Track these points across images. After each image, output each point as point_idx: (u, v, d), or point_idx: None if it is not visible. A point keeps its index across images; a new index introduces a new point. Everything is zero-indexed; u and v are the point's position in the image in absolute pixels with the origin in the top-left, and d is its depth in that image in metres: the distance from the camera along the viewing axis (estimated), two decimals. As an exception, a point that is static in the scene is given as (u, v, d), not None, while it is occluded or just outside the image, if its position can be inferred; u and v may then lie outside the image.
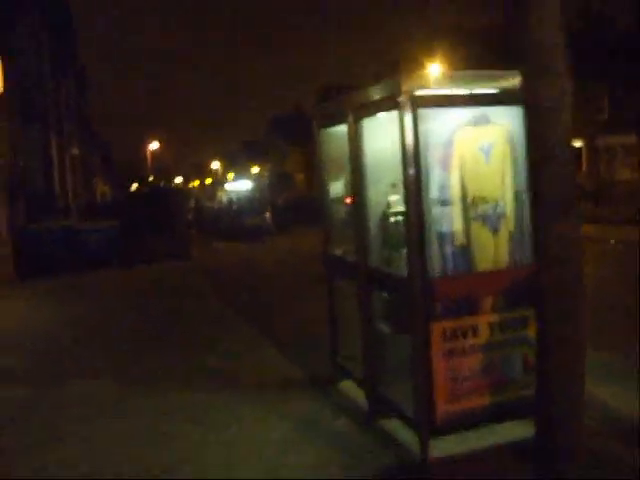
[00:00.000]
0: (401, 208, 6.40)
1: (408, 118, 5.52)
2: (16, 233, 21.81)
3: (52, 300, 16.78)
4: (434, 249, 5.75)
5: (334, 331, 7.88)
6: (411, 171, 5.52)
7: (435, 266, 5.74)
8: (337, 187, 7.74)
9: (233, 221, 35.63)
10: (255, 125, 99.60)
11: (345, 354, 7.69)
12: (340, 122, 6.99)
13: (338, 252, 7.63)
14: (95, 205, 38.42)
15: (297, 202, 47.10)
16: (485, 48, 34.65)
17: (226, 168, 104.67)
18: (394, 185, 6.49)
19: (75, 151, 37.64)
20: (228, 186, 77.82)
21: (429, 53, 41.49)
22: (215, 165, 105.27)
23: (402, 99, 5.47)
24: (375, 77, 57.97)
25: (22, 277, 20.66)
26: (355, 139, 6.55)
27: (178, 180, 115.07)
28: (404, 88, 5.46)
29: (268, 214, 36.15)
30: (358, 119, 6.48)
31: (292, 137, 77.69)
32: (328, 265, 7.78)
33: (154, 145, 62.33)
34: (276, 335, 11.06)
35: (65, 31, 35.50)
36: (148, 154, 63.00)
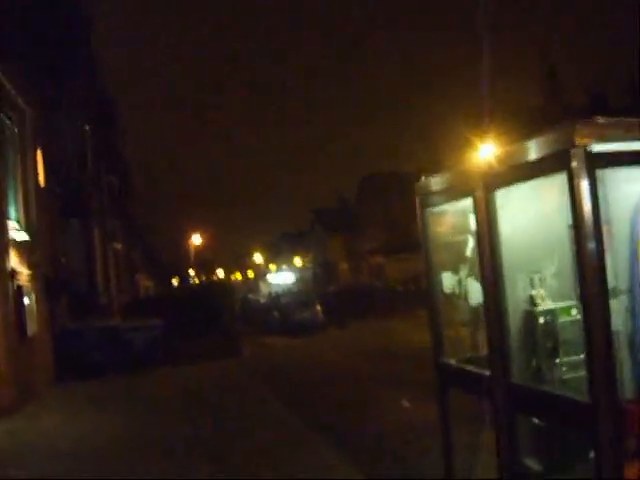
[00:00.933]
0: (551, 305, 4.90)
1: (584, 181, 4.00)
2: (57, 333, 20.51)
3: (91, 410, 15.14)
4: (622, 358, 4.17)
5: (449, 459, 6.21)
6: (590, 246, 3.97)
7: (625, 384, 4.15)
8: (448, 279, 6.20)
9: (282, 315, 34.22)
10: (294, 217, 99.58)
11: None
12: (456, 197, 5.54)
13: (452, 361, 6.05)
14: (139, 301, 37.32)
15: (346, 293, 45.72)
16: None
17: (268, 260, 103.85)
18: (535, 277, 5.01)
19: (118, 246, 36.74)
20: (272, 278, 76.97)
21: (483, 134, 39.87)
22: (258, 258, 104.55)
23: (575, 154, 3.97)
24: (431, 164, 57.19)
25: (62, 381, 19.23)
26: (487, 217, 5.04)
27: (219, 273, 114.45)
28: (578, 141, 3.97)
29: (318, 307, 34.70)
30: (491, 190, 4.98)
31: (334, 228, 76.76)
32: (441, 377, 6.17)
33: (196, 239, 61.72)
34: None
35: (109, 124, 35.13)
36: (190, 248, 62.38)
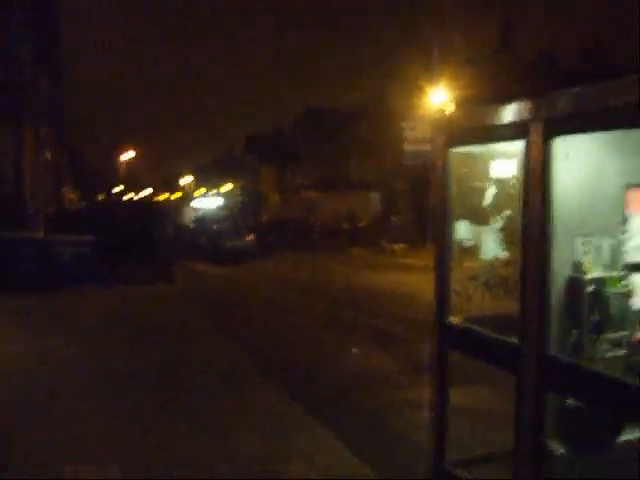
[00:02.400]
0: (601, 273, 4.31)
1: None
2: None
3: (18, 326, 14.16)
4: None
5: (441, 432, 5.60)
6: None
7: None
8: (462, 230, 5.54)
9: (214, 242, 33.30)
10: (228, 143, 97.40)
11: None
12: (500, 139, 4.84)
13: (456, 320, 5.41)
14: (66, 214, 35.85)
15: (278, 224, 45.22)
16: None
17: (196, 183, 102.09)
18: (585, 240, 4.41)
19: (48, 154, 35.08)
20: (199, 202, 75.65)
21: (426, 78, 39.04)
22: (186, 179, 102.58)
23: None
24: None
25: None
26: (541, 167, 4.34)
27: (147, 192, 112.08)
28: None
29: (252, 236, 33.90)
30: (551, 135, 4.28)
31: (268, 158, 75.60)
32: (443, 338, 5.52)
33: (129, 154, 59.79)
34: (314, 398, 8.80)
35: (46, 25, 33.15)
36: (121, 163, 60.44)
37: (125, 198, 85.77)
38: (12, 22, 26.61)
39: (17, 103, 25.94)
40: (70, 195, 60.63)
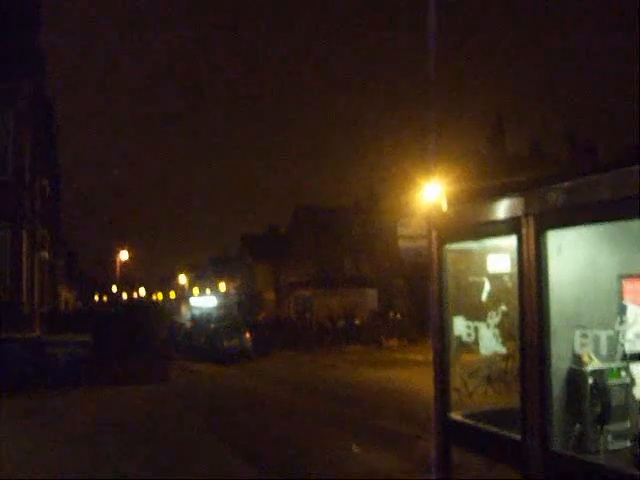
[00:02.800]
0: (601, 365, 4.32)
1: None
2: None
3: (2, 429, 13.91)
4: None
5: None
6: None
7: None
8: (460, 325, 5.56)
9: (211, 342, 33.14)
10: (223, 242, 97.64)
11: None
12: (493, 234, 4.92)
13: (459, 417, 5.38)
14: (60, 314, 35.77)
15: (274, 323, 45.08)
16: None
17: (192, 282, 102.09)
18: (583, 333, 4.45)
19: (45, 255, 35.16)
20: (194, 301, 75.54)
21: (418, 173, 39.52)
22: (182, 279, 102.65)
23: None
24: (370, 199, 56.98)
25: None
26: (535, 260, 4.40)
27: (141, 292, 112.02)
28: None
29: (248, 335, 33.73)
30: (544, 229, 4.35)
31: (263, 257, 75.80)
32: (446, 435, 5.47)
33: (123, 255, 60.01)
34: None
35: (46, 126, 33.74)
36: (116, 264, 60.60)
37: (121, 298, 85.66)
38: (11, 121, 27.04)
39: (15, 203, 26.15)
40: (67, 295, 60.59)
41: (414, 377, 21.42)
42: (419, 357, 27.42)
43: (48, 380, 19.36)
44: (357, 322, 46.75)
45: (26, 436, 13.06)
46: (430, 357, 5.75)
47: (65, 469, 10.69)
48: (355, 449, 12.03)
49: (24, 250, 26.99)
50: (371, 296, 53.03)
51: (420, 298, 37.05)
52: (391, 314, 44.07)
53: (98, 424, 14.80)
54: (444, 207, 5.71)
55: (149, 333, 23.50)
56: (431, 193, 32.27)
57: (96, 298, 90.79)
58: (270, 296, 72.38)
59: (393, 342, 38.52)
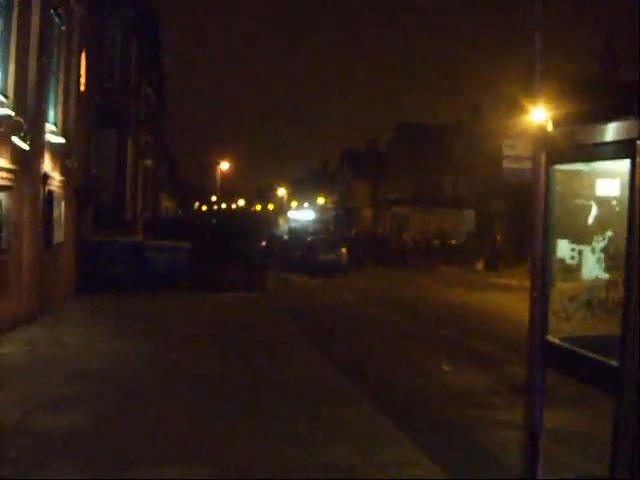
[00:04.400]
0: None
1: None
2: (82, 244, 19.90)
3: (108, 326, 14.53)
4: None
5: (535, 453, 5.49)
6: None
7: None
8: (564, 247, 5.44)
9: (307, 254, 33.57)
10: (324, 156, 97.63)
11: None
12: (605, 157, 4.74)
13: (561, 341, 5.30)
14: (161, 221, 36.73)
15: (370, 239, 45.16)
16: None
17: (291, 195, 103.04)
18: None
19: (148, 162, 35.96)
20: (292, 214, 76.27)
21: (523, 97, 38.50)
22: (281, 191, 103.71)
23: None
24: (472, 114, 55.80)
25: (82, 293, 18.69)
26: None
27: (241, 203, 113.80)
28: None
29: (344, 250, 33.99)
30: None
31: (362, 172, 75.61)
32: (545, 357, 5.42)
33: (224, 165, 60.85)
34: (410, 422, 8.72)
35: (152, 35, 34.03)
36: (218, 174, 61.53)
37: (220, 207, 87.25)
38: (120, 28, 27.37)
39: (121, 110, 26.68)
40: (167, 203, 62.07)
41: (508, 301, 21.28)
42: (514, 282, 27.16)
43: (148, 283, 20.00)
44: (453, 242, 46.51)
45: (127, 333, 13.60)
46: (525, 283, 5.69)
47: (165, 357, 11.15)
48: (445, 367, 12.10)
49: (129, 157, 27.70)
50: (468, 218, 52.57)
51: (519, 221, 36.46)
52: (497, 237, 43.48)
53: (196, 323, 15.33)
54: (552, 128, 5.52)
55: (247, 243, 23.89)
56: (538, 115, 31.49)
57: (196, 206, 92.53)
58: (367, 212, 72.54)
59: (490, 265, 38.23)
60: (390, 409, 8.90)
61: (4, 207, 12.88)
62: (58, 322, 14.67)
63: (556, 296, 5.57)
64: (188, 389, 9.46)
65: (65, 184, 17.70)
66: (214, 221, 29.52)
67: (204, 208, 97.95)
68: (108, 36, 26.43)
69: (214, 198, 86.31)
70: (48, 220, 16.05)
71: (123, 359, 11.36)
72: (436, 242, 46.60)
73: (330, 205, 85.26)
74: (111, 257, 20.72)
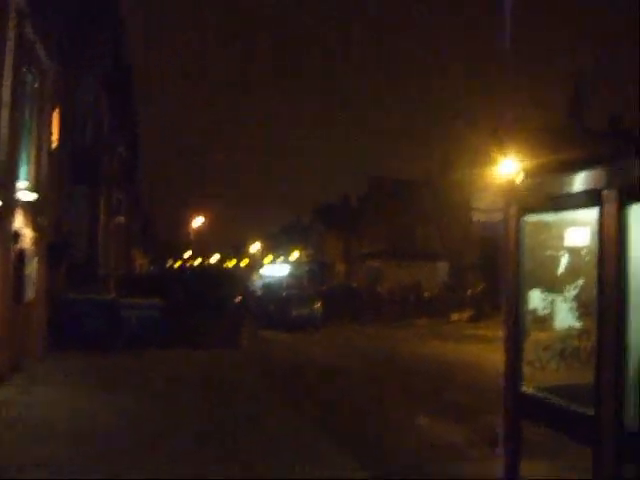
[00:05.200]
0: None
1: None
2: (55, 302, 19.70)
3: (83, 385, 14.32)
4: None
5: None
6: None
7: None
8: (536, 299, 5.49)
9: (281, 310, 33.45)
10: (296, 211, 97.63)
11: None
12: (574, 206, 4.83)
13: (534, 391, 5.32)
14: (135, 278, 36.47)
15: (342, 293, 45.11)
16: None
17: (265, 250, 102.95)
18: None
19: (121, 219, 35.88)
20: (266, 270, 76.15)
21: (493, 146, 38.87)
22: (255, 246, 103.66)
23: None
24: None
25: (55, 351, 18.45)
26: (616, 234, 4.31)
27: (215, 259, 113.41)
28: None
29: (319, 305, 33.91)
30: (627, 203, 4.25)
31: (335, 227, 75.88)
32: (518, 408, 5.43)
33: (198, 220, 60.88)
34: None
35: (127, 93, 34.25)
36: (190, 229, 61.49)
37: (194, 263, 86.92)
38: (93, 86, 27.47)
39: (93, 168, 26.65)
40: (140, 260, 61.74)
41: (483, 352, 21.27)
42: (489, 333, 27.17)
43: (121, 341, 19.81)
44: (426, 295, 46.56)
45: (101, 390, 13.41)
46: (500, 333, 5.71)
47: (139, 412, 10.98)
48: (422, 421, 12.04)
49: (101, 213, 27.62)
50: (441, 270, 52.77)
51: (492, 272, 36.69)
52: (469, 290, 43.63)
53: (170, 380, 15.14)
54: (522, 179, 5.60)
55: (221, 299, 23.78)
56: (507, 166, 31.84)
57: (170, 263, 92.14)
58: (341, 266, 72.58)
59: (466, 316, 38.31)
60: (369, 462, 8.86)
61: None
62: (30, 381, 14.44)
63: (530, 346, 5.61)
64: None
65: (37, 241, 17.59)
66: (187, 278, 29.38)
67: (178, 264, 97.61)
68: (82, 93, 26.56)
69: (188, 254, 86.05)
70: (19, 277, 15.90)
71: (96, 419, 11.19)
72: (411, 295, 46.60)
73: (304, 259, 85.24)
74: (84, 314, 20.53)
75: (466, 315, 38.47)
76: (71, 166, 23.20)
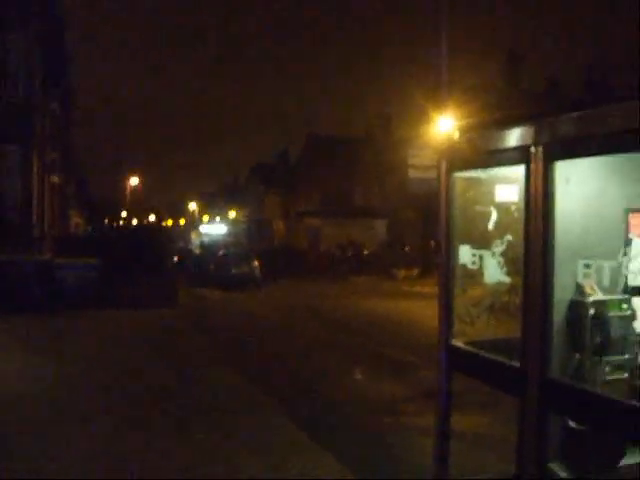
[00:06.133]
0: (602, 296, 4.36)
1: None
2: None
3: (15, 348, 14.14)
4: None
5: (443, 455, 5.61)
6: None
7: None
8: (465, 253, 5.58)
9: (219, 268, 33.38)
10: (234, 170, 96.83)
11: None
12: (501, 163, 4.90)
13: (464, 344, 5.44)
14: (71, 238, 35.95)
15: (282, 251, 45.25)
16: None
17: (202, 210, 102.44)
18: (587, 264, 4.48)
19: (55, 179, 35.23)
20: (204, 229, 75.81)
21: (431, 104, 39.13)
22: (192, 206, 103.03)
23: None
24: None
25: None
26: (543, 190, 4.39)
27: (151, 218, 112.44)
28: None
29: (256, 263, 33.91)
30: (552, 159, 4.33)
31: (273, 185, 75.80)
32: (450, 361, 5.55)
33: (134, 181, 60.12)
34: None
35: (58, 47, 33.30)
36: (126, 189, 60.76)
37: (131, 223, 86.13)
38: (23, 41, 26.70)
39: (25, 125, 26.02)
40: (76, 220, 60.92)
41: (420, 309, 21.57)
42: (427, 289, 27.56)
43: (57, 302, 19.59)
44: (366, 253, 46.94)
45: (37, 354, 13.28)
46: (437, 290, 5.81)
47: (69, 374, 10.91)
48: (358, 376, 12.22)
49: (34, 173, 27.03)
50: (380, 227, 53.15)
51: (429, 230, 37.13)
52: (402, 247, 44.13)
53: (104, 340, 15.07)
54: (455, 137, 5.66)
55: (158, 258, 23.65)
56: (443, 125, 32.10)
57: (106, 223, 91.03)
58: (279, 225, 72.66)
59: (405, 273, 38.72)
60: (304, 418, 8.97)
61: None
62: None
63: (461, 302, 5.72)
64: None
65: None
66: (123, 237, 29.08)
67: (114, 224, 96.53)
68: (10, 49, 25.85)
69: (124, 214, 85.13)
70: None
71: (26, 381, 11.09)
72: (349, 252, 46.94)
73: (242, 219, 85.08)
74: (20, 276, 20.22)
75: (414, 272, 38.87)
76: (1, 123, 22.65)
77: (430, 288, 26.34)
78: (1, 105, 22.69)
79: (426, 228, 39.70)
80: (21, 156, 25.97)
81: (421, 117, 36.67)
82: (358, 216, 54.47)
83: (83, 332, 16.41)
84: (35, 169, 27.40)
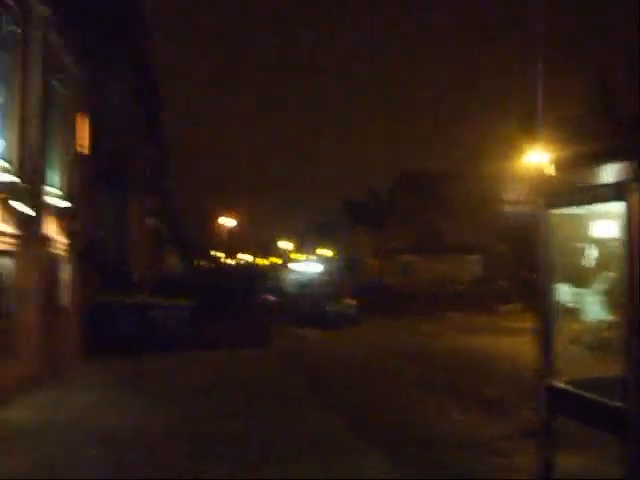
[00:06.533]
0: None
1: None
2: (88, 306, 19.88)
3: (118, 389, 14.46)
4: None
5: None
6: None
7: None
8: (563, 291, 5.46)
9: (315, 307, 33.25)
10: (325, 208, 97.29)
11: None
12: (601, 200, 4.79)
13: (561, 384, 5.30)
14: (166, 279, 36.65)
15: (376, 289, 45.05)
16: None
17: (295, 249, 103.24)
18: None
19: (151, 221, 36.13)
20: (299, 267, 76.28)
21: (523, 138, 38.72)
22: (285, 244, 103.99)
23: None
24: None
25: (89, 354, 18.62)
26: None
27: (246, 257, 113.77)
28: None
29: (353, 301, 33.79)
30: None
31: (365, 222, 75.83)
32: (550, 402, 5.41)
33: (228, 220, 61.07)
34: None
35: (154, 96, 34.42)
36: (222, 229, 61.77)
37: (226, 263, 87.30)
38: (120, 94, 27.66)
39: (124, 171, 26.86)
40: (171, 260, 62.07)
41: (520, 345, 21.09)
42: (526, 324, 26.89)
43: (152, 343, 19.96)
44: (459, 288, 46.42)
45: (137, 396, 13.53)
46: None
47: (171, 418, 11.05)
48: (456, 416, 12.01)
49: (133, 217, 27.83)
50: (472, 262, 52.59)
51: (524, 264, 36.50)
52: (496, 281, 43.49)
53: (201, 383, 15.21)
54: (550, 172, 5.57)
55: (251, 298, 23.87)
56: (535, 158, 31.60)
57: (200, 263, 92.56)
58: (371, 262, 72.52)
59: (504, 309, 38.15)
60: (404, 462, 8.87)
61: (9, 272, 12.95)
62: (65, 384, 14.63)
63: (560, 340, 5.59)
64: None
65: (70, 247, 17.78)
66: (216, 278, 29.52)
67: (208, 264, 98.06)
68: (110, 98, 26.77)
69: (219, 254, 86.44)
70: (53, 283, 16.11)
71: (132, 420, 11.29)
72: (445, 288, 46.51)
73: (335, 257, 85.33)
74: (119, 318, 20.72)
75: (517, 307, 38.25)
76: (103, 171, 23.39)
77: (529, 323, 25.70)
78: (100, 153, 23.44)
79: (520, 262, 39.03)
80: (119, 202, 26.79)
81: (512, 151, 36.36)
82: (449, 252, 54.07)
83: (178, 373, 16.63)
84: (134, 214, 28.19)
